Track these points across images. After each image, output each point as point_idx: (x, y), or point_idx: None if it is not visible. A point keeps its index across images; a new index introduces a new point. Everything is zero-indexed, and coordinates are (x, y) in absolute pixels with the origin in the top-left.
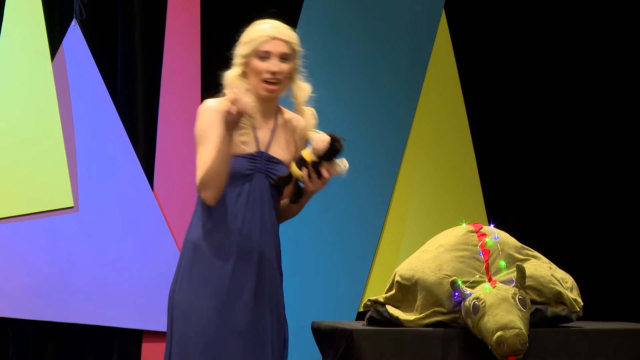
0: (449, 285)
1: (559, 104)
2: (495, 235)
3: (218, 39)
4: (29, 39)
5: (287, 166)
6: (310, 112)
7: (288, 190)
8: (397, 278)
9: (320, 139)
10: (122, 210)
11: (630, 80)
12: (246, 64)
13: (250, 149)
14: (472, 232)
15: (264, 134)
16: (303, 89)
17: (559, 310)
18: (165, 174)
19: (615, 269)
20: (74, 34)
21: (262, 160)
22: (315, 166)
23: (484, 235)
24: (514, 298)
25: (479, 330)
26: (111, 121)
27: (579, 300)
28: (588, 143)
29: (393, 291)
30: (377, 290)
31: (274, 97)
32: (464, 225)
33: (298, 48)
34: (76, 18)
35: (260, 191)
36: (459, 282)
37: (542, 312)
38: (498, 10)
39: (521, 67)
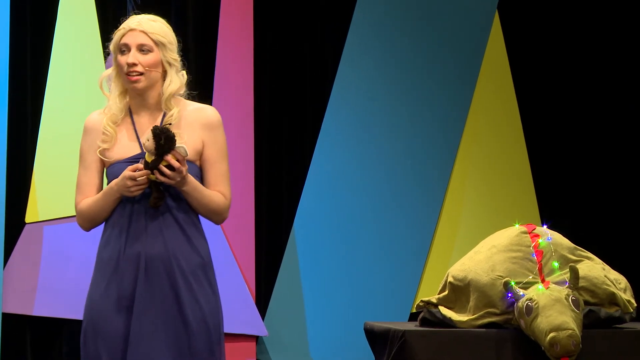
0: (501, 286)
1: (613, 104)
2: (549, 236)
3: (271, 41)
4: (82, 39)
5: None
6: (176, 109)
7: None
8: (450, 279)
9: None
10: None
11: None
12: (115, 61)
13: (133, 151)
14: (525, 233)
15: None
16: (172, 82)
17: (612, 311)
18: None
19: None
20: None
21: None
22: (157, 163)
23: (537, 236)
24: (567, 299)
25: (532, 331)
26: None
27: (633, 301)
28: None
29: (446, 292)
30: (429, 291)
31: (142, 90)
32: (517, 226)
33: (163, 39)
34: None
35: (149, 194)
36: (512, 283)
37: (595, 313)
38: (552, 10)
39: (575, 67)
